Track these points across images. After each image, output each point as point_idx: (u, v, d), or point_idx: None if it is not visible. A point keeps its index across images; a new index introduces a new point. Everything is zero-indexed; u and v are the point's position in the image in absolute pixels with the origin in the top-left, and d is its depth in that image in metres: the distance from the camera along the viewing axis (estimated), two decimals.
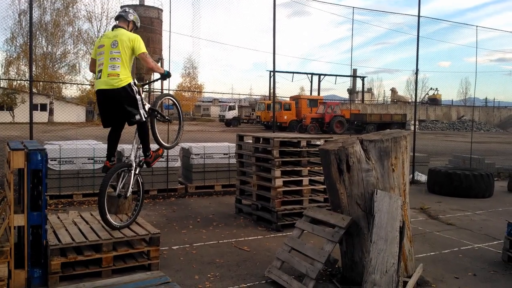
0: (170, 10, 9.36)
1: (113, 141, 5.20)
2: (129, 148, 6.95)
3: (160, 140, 5.51)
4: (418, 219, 7.42)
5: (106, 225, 4.74)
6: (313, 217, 4.68)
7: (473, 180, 9.54)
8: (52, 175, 7.82)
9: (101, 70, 4.76)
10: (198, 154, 9.33)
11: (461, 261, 5.38)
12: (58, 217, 5.31)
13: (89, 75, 51.33)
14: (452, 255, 5.60)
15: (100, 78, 4.77)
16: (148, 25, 54.08)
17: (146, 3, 56.37)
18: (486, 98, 71.21)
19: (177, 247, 5.61)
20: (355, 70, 60.08)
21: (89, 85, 46.00)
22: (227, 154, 9.56)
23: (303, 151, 6.85)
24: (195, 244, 5.74)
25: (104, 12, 47.51)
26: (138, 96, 4.86)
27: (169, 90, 10.12)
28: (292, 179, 6.76)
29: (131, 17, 5.03)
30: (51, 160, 7.82)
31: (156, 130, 5.37)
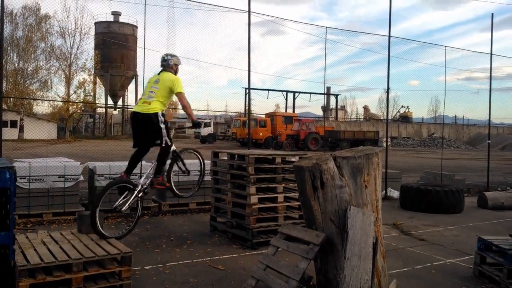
0: (144, 27, 9.41)
1: (134, 160, 5.84)
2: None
3: (173, 186, 6.22)
4: (391, 235, 7.50)
5: (100, 237, 4.98)
6: (288, 234, 4.67)
7: (444, 196, 9.73)
8: (21, 194, 7.59)
9: (141, 99, 5.73)
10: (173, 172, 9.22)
11: (433, 277, 5.45)
12: (27, 237, 5.14)
13: (61, 92, 50.65)
14: (424, 271, 5.67)
15: (137, 104, 5.72)
16: (122, 41, 53.87)
17: (121, 20, 56.19)
18: (455, 116, 73.23)
19: (150, 267, 5.50)
20: (328, 88, 61.02)
21: (61, 101, 45.32)
22: None
23: (278, 168, 6.87)
24: (168, 264, 5.65)
25: (77, 28, 46.98)
26: (163, 125, 5.56)
27: None
28: (267, 196, 6.75)
29: (171, 62, 5.89)
30: (20, 178, 7.61)
31: (171, 177, 6.09)
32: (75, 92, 46.51)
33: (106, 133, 55.10)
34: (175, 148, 5.95)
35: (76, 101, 46.23)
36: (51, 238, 5.12)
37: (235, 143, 40.44)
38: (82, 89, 46.87)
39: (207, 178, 8.83)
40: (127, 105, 60.11)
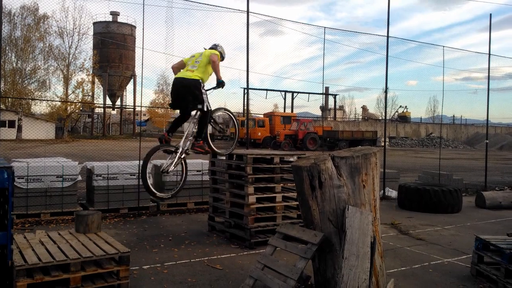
0: (143, 27, 9.34)
1: (177, 123, 6.14)
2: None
3: (212, 144, 6.44)
4: (389, 235, 7.51)
5: (150, 194, 5.67)
6: (286, 234, 4.68)
7: (442, 196, 9.75)
8: (19, 194, 7.59)
9: (185, 68, 6.06)
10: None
11: (431, 276, 5.46)
12: (25, 237, 5.14)
13: (59, 92, 50.53)
14: (422, 270, 5.68)
15: (181, 72, 6.01)
16: (121, 41, 53.76)
17: (119, 20, 56.09)
18: (453, 116, 73.29)
19: (148, 266, 5.50)
20: (327, 88, 60.98)
21: (59, 101, 45.21)
22: (200, 171, 9.49)
23: (276, 168, 6.87)
24: (166, 264, 5.65)
25: (76, 28, 46.77)
26: (203, 90, 5.89)
27: (141, 106, 10.04)
28: (265, 195, 6.76)
29: (220, 49, 6.32)
30: (18, 178, 7.61)
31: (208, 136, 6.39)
32: (73, 92, 46.38)
33: (104, 133, 55.00)
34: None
35: (74, 101, 46.09)
36: (49, 238, 5.12)
37: (229, 142, 40.41)
38: (80, 89, 46.77)
39: (206, 177, 8.85)
40: (125, 105, 60.03)
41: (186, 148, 6.00)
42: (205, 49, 6.27)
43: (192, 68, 5.94)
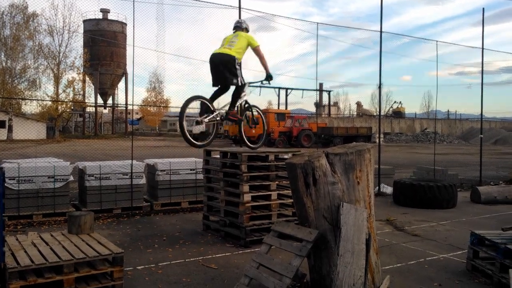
0: (133, 24, 9.25)
1: (216, 95, 6.41)
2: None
3: (244, 137, 7.08)
4: (384, 231, 7.51)
5: (189, 143, 6.03)
6: (281, 232, 4.65)
7: (437, 191, 9.76)
8: (10, 195, 7.51)
9: (220, 46, 6.39)
10: (164, 170, 9.15)
11: (427, 272, 5.45)
12: (17, 239, 5.06)
13: (50, 91, 50.14)
14: (418, 266, 5.67)
15: (218, 48, 6.32)
16: (111, 39, 53.45)
17: (109, 17, 55.75)
18: (448, 111, 73.74)
19: (142, 267, 5.45)
20: (321, 84, 61.10)
21: (50, 100, 44.86)
22: (194, 169, 9.42)
23: (271, 165, 6.83)
24: (160, 264, 5.60)
25: (66, 26, 46.29)
26: (238, 67, 6.22)
27: (133, 104, 9.97)
28: (260, 193, 6.72)
29: (244, 25, 6.67)
30: (9, 179, 7.52)
31: (242, 130, 7.10)
32: (64, 91, 46.00)
33: (96, 132, 54.71)
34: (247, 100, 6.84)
35: (65, 100, 45.75)
36: (41, 240, 5.05)
37: (228, 141, 40.31)
38: (71, 88, 46.41)
39: (200, 176, 8.79)
40: (117, 104, 59.74)
41: (222, 113, 6.55)
42: (235, 30, 6.61)
43: (229, 46, 6.25)
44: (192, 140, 6.01)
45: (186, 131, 5.84)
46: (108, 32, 55.03)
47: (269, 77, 6.66)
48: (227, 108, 6.59)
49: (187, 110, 5.93)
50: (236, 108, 6.66)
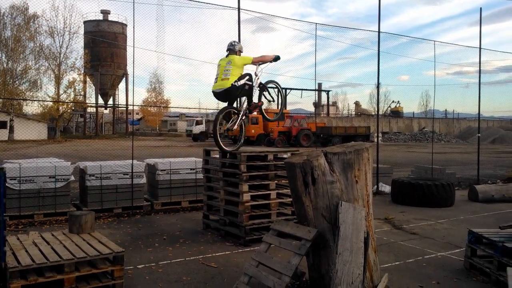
0: (134, 25, 9.29)
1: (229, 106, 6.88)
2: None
3: (219, 138, 7.03)
4: (382, 229, 7.55)
5: (221, 150, 6.82)
6: (280, 231, 4.69)
7: (435, 190, 9.80)
8: (11, 195, 7.55)
9: (216, 76, 6.66)
10: (164, 170, 9.21)
11: (425, 270, 5.49)
12: (18, 238, 5.11)
13: (51, 91, 50.17)
14: (416, 264, 5.71)
15: (215, 82, 6.62)
16: (112, 40, 53.48)
17: (110, 18, 55.78)
18: (445, 110, 73.73)
19: (143, 266, 5.49)
20: (320, 84, 61.12)
21: (51, 101, 44.89)
22: (194, 169, 9.48)
23: (270, 165, 6.88)
24: (161, 263, 5.64)
25: (66, 27, 46.35)
26: (237, 84, 6.44)
27: (133, 105, 9.99)
28: (260, 193, 6.76)
29: (237, 48, 6.77)
30: (10, 179, 7.56)
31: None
32: (65, 91, 46.09)
33: (97, 133, 54.75)
34: (261, 81, 7.11)
35: (66, 101, 45.80)
36: (42, 239, 5.09)
37: (227, 140, 40.39)
38: (72, 89, 46.48)
39: (200, 176, 8.83)
40: (118, 104, 59.76)
41: (246, 111, 6.98)
42: (228, 52, 6.76)
43: (225, 76, 6.52)
44: (225, 147, 6.75)
45: (219, 140, 6.61)
46: (109, 33, 55.08)
47: (276, 59, 6.97)
48: (245, 104, 7.02)
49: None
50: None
